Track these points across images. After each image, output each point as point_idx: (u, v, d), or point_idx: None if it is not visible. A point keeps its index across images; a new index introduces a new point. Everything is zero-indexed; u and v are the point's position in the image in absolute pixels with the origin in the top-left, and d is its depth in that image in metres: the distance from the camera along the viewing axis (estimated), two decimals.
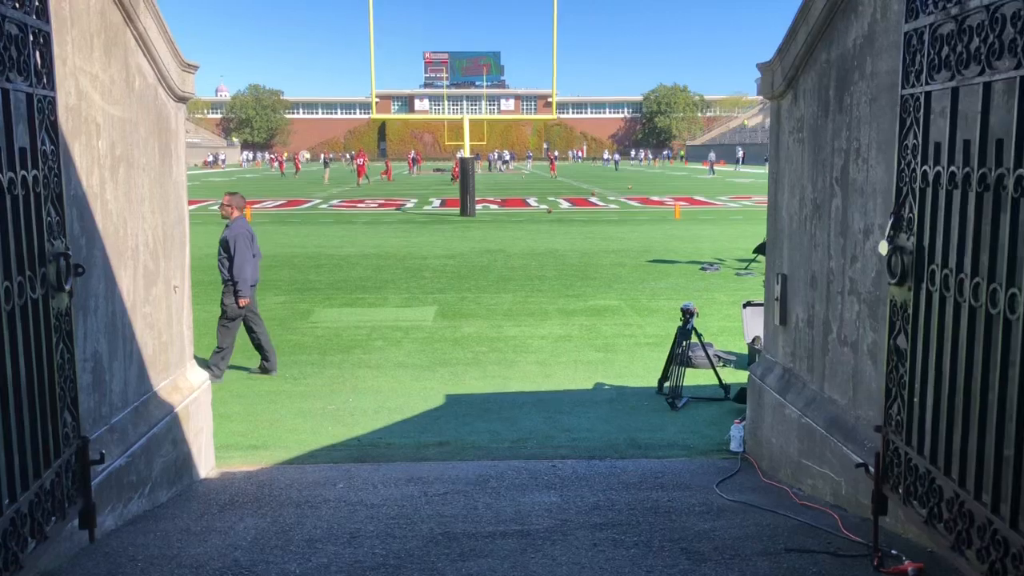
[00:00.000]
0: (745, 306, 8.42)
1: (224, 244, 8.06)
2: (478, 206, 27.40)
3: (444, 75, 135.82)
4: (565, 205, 30.87)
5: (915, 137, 3.04)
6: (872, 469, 3.39)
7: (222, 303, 8.07)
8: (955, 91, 2.73)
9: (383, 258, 16.24)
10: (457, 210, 26.71)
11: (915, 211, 3.03)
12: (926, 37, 2.92)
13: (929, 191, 2.91)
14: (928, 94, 2.94)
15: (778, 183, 5.28)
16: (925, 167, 2.94)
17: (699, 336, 7.44)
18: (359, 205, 31.29)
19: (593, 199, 34.13)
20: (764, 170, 51.73)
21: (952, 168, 2.74)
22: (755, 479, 5.11)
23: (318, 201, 33.64)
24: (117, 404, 4.22)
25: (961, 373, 2.69)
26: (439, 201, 33.29)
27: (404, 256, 16.56)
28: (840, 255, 4.36)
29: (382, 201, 33.45)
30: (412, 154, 78.67)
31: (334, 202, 33.02)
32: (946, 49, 2.77)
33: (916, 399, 3.03)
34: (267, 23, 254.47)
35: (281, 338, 9.53)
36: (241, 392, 7.54)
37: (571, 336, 9.54)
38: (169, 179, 5.00)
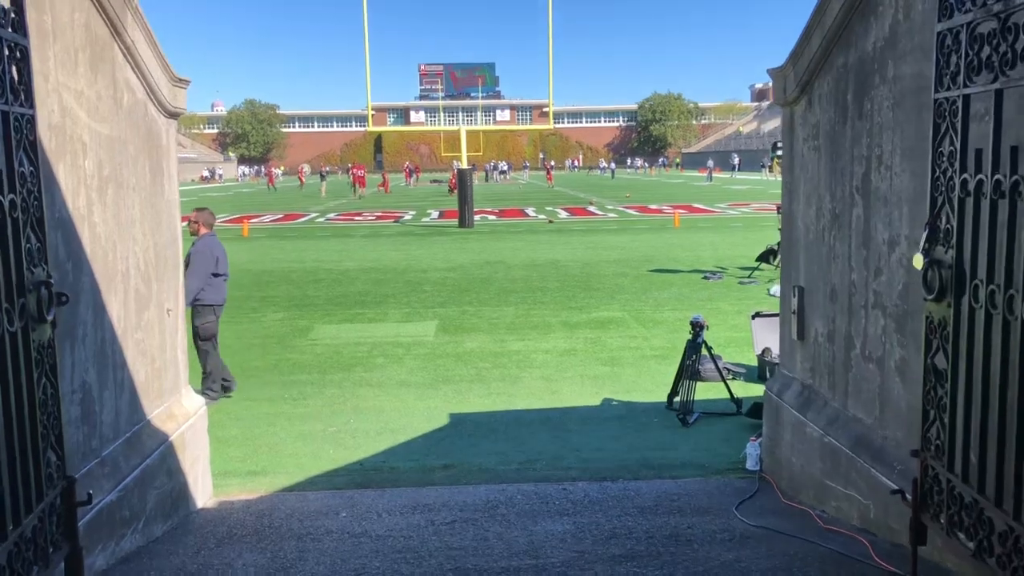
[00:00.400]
0: (754, 317, 8.24)
1: (185, 261, 7.77)
2: (476, 217, 27.23)
3: (439, 87, 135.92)
4: (564, 215, 30.71)
5: (952, 143, 2.85)
6: (909, 496, 3.20)
7: (193, 325, 7.67)
8: (999, 93, 2.54)
9: (382, 272, 16.05)
10: (455, 221, 26.54)
11: (953, 222, 2.84)
12: (963, 37, 2.73)
13: (970, 201, 2.72)
14: (966, 97, 2.75)
15: (792, 192, 5.10)
16: (965, 175, 2.75)
17: (709, 349, 7.24)
18: (356, 218, 31.11)
19: (591, 208, 33.97)
20: (760, 176, 52.22)
21: (997, 176, 2.55)
22: (775, 500, 4.90)
23: (315, 215, 33.47)
24: (108, 436, 4.02)
25: (1014, 396, 2.50)
26: (437, 213, 33.12)
27: (403, 269, 16.38)
28: (863, 267, 4.17)
29: (380, 213, 33.27)
30: (408, 165, 78.68)
31: (331, 215, 32.85)
32: (987, 49, 2.58)
33: (959, 423, 2.83)
34: (262, 38, 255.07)
35: (280, 356, 9.34)
36: (239, 415, 7.33)
37: (576, 350, 9.35)
38: (161, 198, 4.81)
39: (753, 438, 5.76)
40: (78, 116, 3.70)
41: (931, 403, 3.06)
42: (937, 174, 2.97)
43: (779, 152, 15.05)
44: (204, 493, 5.31)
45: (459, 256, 18.40)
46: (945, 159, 2.90)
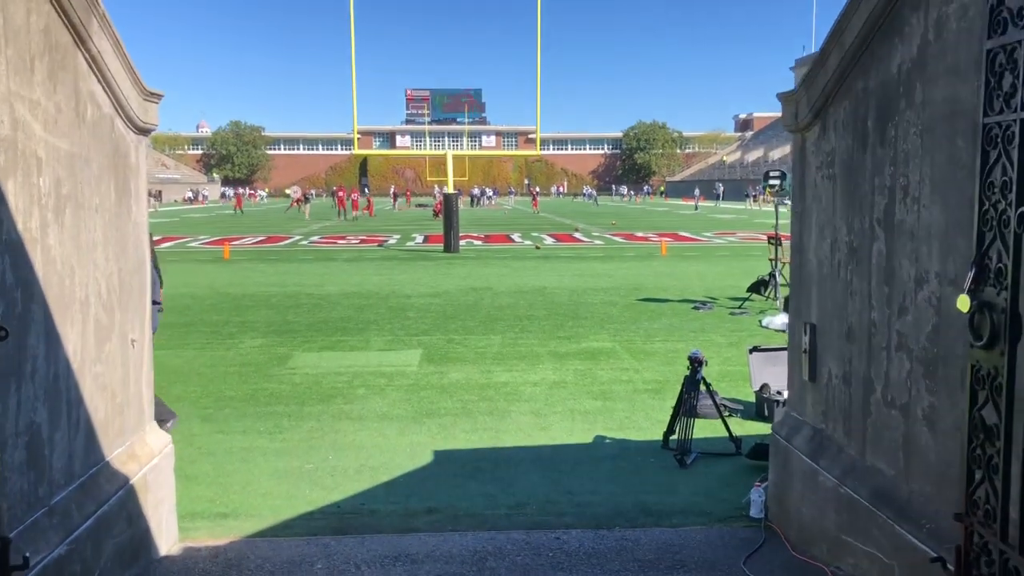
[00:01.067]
0: (752, 351, 7.94)
1: None
2: (462, 242, 26.94)
3: (426, 111, 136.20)
4: (549, 241, 30.47)
5: (1005, 173, 2.56)
6: (951, 566, 2.87)
7: None
8: None
9: (365, 297, 15.67)
10: (441, 246, 26.23)
11: (1007, 261, 2.54)
12: (1020, 54, 2.45)
13: None
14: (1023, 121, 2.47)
15: (803, 223, 4.81)
16: (1022, 208, 2.46)
17: (707, 385, 6.92)
18: (340, 242, 30.73)
19: (577, 235, 33.77)
20: (744, 206, 52.44)
21: None
22: (784, 554, 4.57)
23: (298, 237, 33.06)
24: (59, 481, 3.63)
25: None
26: (422, 237, 32.81)
27: (387, 295, 16.01)
28: (884, 305, 3.87)
29: (364, 237, 32.92)
30: (392, 189, 78.81)
31: (315, 238, 32.46)
32: None
33: (1015, 487, 2.52)
34: (249, 59, 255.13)
35: (257, 386, 8.93)
36: (211, 448, 6.92)
37: (565, 382, 9.00)
38: (127, 220, 4.46)
39: (757, 483, 5.43)
40: (32, 129, 3.36)
41: (978, 462, 2.74)
42: (986, 207, 2.67)
43: (771, 181, 14.90)
44: (168, 539, 4.90)
45: (444, 282, 18.06)
46: (996, 190, 2.61)
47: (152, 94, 4.59)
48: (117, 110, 4.28)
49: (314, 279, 18.61)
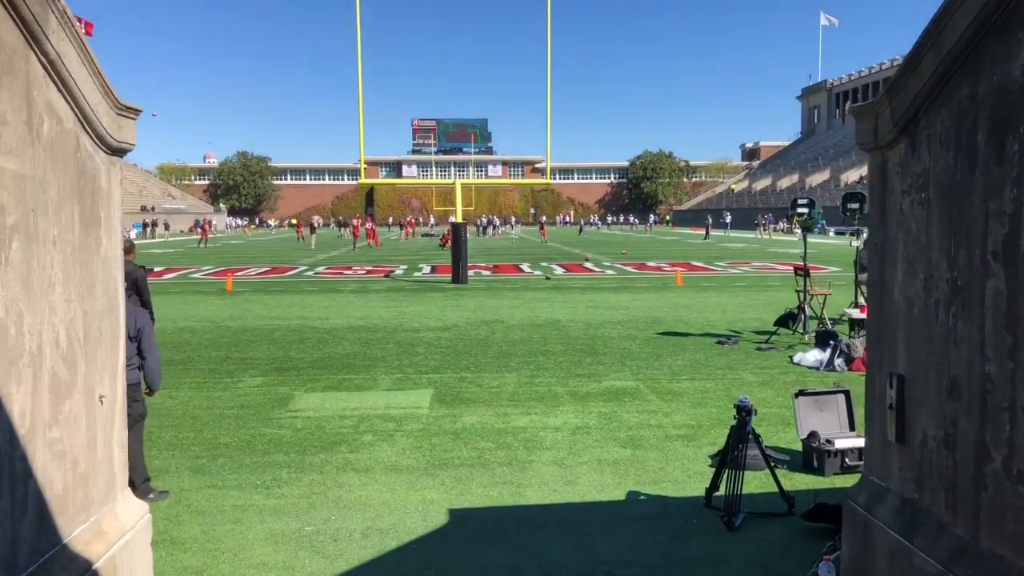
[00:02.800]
0: (797, 395, 7.23)
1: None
2: (470, 272, 26.30)
3: (432, 142, 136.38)
4: (560, 271, 29.81)
5: None
6: None
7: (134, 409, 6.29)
8: None
9: (372, 331, 14.99)
10: (449, 277, 25.59)
11: None
12: None
13: None
14: None
15: (885, 256, 4.12)
16: None
17: (757, 437, 6.19)
18: (346, 272, 30.12)
19: (588, 264, 33.13)
20: (754, 235, 52.00)
21: None
22: None
23: (303, 268, 32.47)
24: None
25: None
26: (429, 267, 32.19)
27: (394, 328, 15.32)
28: (1006, 358, 3.17)
29: (370, 267, 32.31)
30: (389, 219, 78.82)
31: (320, 269, 31.85)
32: None
33: None
34: (256, 90, 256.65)
35: (255, 431, 8.24)
36: (201, 506, 6.22)
37: (589, 427, 8.28)
38: (96, 255, 3.80)
39: (826, 556, 4.70)
40: None
41: None
42: None
43: (800, 210, 14.24)
44: None
45: (454, 314, 17.38)
46: None
47: (127, 108, 3.95)
48: (83, 125, 3.64)
49: (319, 312, 17.94)
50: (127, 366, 6.19)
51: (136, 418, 6.32)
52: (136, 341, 6.25)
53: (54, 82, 3.35)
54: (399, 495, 6.40)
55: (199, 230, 63.14)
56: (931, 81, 3.60)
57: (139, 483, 6.24)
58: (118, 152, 3.97)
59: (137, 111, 4.04)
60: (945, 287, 3.58)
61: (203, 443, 7.85)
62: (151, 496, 6.26)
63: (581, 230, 77.96)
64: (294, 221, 77.37)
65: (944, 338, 3.59)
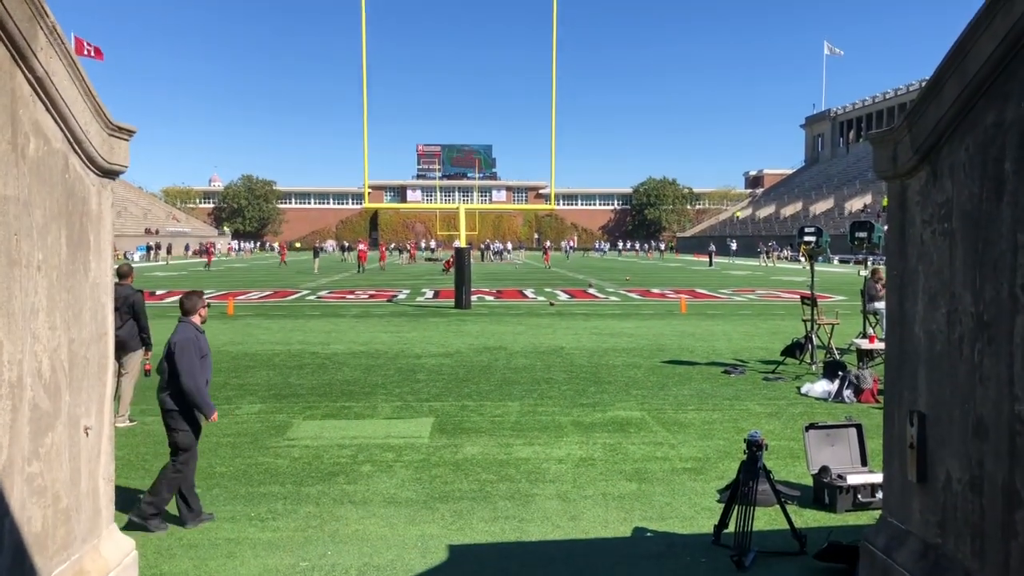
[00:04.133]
0: (808, 429, 7.04)
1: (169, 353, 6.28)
2: (473, 297, 26.14)
3: (437, 167, 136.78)
4: (563, 297, 29.65)
5: None
6: None
7: (171, 436, 6.30)
8: None
9: (373, 356, 14.81)
10: (452, 301, 25.43)
11: None
12: None
13: None
14: None
15: (904, 288, 3.96)
16: None
17: (768, 473, 6.00)
18: (348, 296, 29.98)
19: (591, 290, 32.97)
20: (757, 262, 51.99)
21: None
22: None
23: (306, 292, 32.34)
24: None
25: None
26: (432, 292, 32.05)
27: (396, 354, 15.15)
28: None
29: (373, 292, 32.17)
30: (381, 244, 79.19)
31: (323, 293, 31.72)
32: None
33: None
34: (262, 115, 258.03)
35: (251, 460, 8.05)
36: (193, 539, 6.02)
37: (594, 459, 8.09)
38: (83, 281, 3.65)
39: None
40: None
41: None
42: None
43: (807, 238, 14.08)
44: None
45: (456, 340, 17.21)
46: None
47: (119, 128, 3.82)
48: (72, 146, 3.51)
49: (320, 336, 17.78)
50: (163, 386, 6.14)
51: (172, 445, 6.26)
52: (169, 361, 6.13)
53: (42, 101, 3.22)
54: (397, 529, 6.21)
55: (205, 254, 63.52)
56: (954, 107, 3.46)
57: (145, 501, 6.18)
58: (110, 174, 3.83)
59: (130, 132, 3.91)
60: (970, 322, 3.41)
61: (198, 473, 7.60)
62: (151, 523, 6.13)
63: (568, 256, 75.69)
64: (275, 245, 77.50)
65: (969, 375, 3.42)
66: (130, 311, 9.48)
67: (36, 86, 3.16)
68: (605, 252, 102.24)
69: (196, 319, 6.52)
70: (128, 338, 9.45)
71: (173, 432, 6.29)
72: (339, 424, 9.57)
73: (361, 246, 55.94)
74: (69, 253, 3.49)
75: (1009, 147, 3.18)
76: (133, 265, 12.39)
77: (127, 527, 5.85)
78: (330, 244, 69.99)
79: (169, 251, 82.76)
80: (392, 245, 75.22)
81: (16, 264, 3.05)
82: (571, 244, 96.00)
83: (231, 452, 8.35)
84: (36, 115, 3.20)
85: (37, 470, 3.25)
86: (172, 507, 6.59)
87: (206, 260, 60.44)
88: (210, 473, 7.62)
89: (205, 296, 6.91)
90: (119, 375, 9.47)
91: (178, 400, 6.22)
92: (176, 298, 28.69)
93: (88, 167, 3.66)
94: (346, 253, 72.57)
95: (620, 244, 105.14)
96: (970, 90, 3.36)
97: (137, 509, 6.17)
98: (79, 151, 3.55)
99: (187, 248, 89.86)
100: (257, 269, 55.12)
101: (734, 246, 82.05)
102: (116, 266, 9.68)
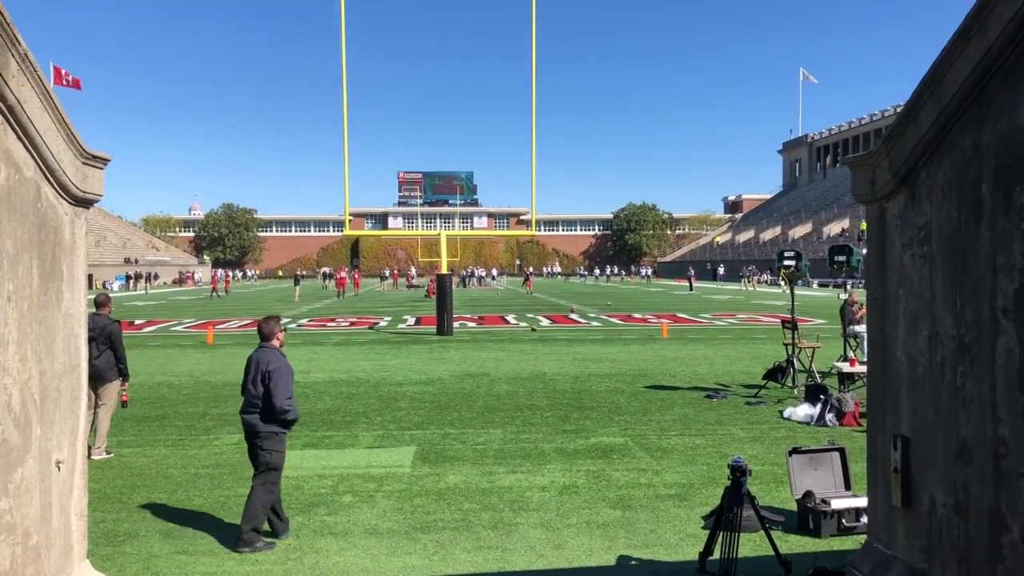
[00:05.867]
0: (791, 453, 7.01)
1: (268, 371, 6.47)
2: (455, 324, 26.07)
3: (418, 194, 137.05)
4: (546, 322, 29.62)
5: None
6: None
7: (264, 457, 6.47)
8: None
9: (354, 385, 14.69)
10: (433, 328, 25.35)
11: None
12: None
13: None
14: None
15: (885, 312, 3.96)
16: None
17: (752, 499, 5.96)
18: (329, 324, 29.82)
19: (573, 316, 32.97)
20: (739, 286, 52.35)
21: None
22: None
23: (287, 320, 32.13)
24: None
25: None
26: (414, 319, 31.94)
27: (377, 382, 15.04)
28: (1022, 419, 2.99)
29: (354, 319, 32.02)
30: (398, 269, 79.39)
31: (303, 321, 31.54)
32: None
33: None
34: (242, 142, 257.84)
35: (230, 492, 7.94)
36: (171, 574, 5.89)
37: (577, 486, 8.02)
38: (56, 311, 3.58)
39: None
40: None
41: None
42: None
43: (787, 262, 14.16)
44: None
45: (438, 367, 17.12)
46: None
47: (94, 157, 3.77)
48: (45, 175, 3.46)
49: (301, 365, 17.62)
50: (255, 410, 6.31)
51: (265, 466, 6.43)
52: (265, 385, 6.33)
53: (13, 129, 3.17)
54: (379, 561, 6.11)
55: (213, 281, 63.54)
56: (931, 131, 3.48)
57: (246, 530, 6.30)
58: (83, 203, 3.78)
59: (105, 160, 3.86)
60: (952, 344, 3.41)
61: (176, 505, 7.54)
62: (258, 545, 6.29)
63: (527, 279, 70.41)
64: (226, 273, 75.20)
65: (952, 398, 3.42)
66: (107, 341, 9.36)
67: (7, 114, 3.12)
68: (585, 277, 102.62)
69: (275, 343, 6.75)
70: (105, 369, 9.32)
71: (267, 453, 6.44)
72: (319, 454, 9.46)
73: (342, 273, 56.31)
74: (41, 283, 3.43)
75: (986, 170, 3.20)
76: (111, 295, 12.26)
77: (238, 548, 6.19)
78: (325, 270, 69.27)
79: (148, 280, 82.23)
80: (386, 272, 75.51)
81: None
82: (553, 270, 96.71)
83: (210, 483, 8.22)
84: (7, 143, 3.15)
85: (6, 506, 3.16)
86: (147, 542, 6.46)
87: (212, 287, 61.15)
88: (188, 506, 7.49)
89: (280, 321, 7.10)
90: (96, 406, 9.33)
91: (273, 422, 6.44)
92: (155, 328, 28.43)
93: (61, 196, 3.60)
94: (327, 281, 72.38)
95: (598, 271, 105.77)
96: (947, 114, 3.39)
97: (242, 541, 6.29)
98: (52, 180, 3.50)
99: (181, 276, 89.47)
100: (238, 297, 54.79)
101: (721, 271, 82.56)
102: (93, 296, 9.57)
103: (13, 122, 3.16)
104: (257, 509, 6.36)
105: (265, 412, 6.42)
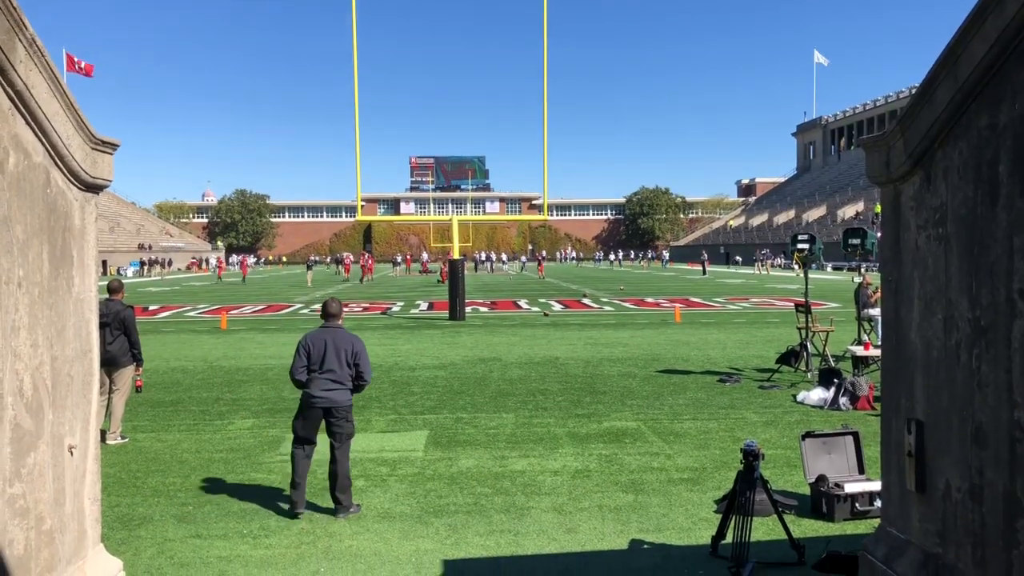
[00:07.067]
0: (804, 437, 6.99)
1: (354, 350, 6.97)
2: (468, 309, 26.09)
3: (430, 179, 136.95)
4: (558, 307, 29.60)
5: None
6: None
7: (347, 429, 6.91)
8: None
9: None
10: (446, 313, 25.38)
11: None
12: None
13: None
14: None
15: (900, 294, 3.92)
16: None
17: (765, 483, 5.94)
18: (343, 309, 29.86)
19: (586, 301, 32.92)
20: (752, 270, 52.06)
21: None
22: None
23: (299, 306, 32.25)
24: None
25: None
26: (426, 304, 31.98)
27: (390, 367, 15.07)
28: None
29: (366, 305, 32.09)
30: (407, 255, 79.51)
31: (316, 306, 31.61)
32: None
33: None
34: (255, 128, 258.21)
35: (244, 476, 7.98)
36: (185, 557, 5.94)
37: (590, 470, 8.02)
38: (67, 297, 3.59)
39: None
40: None
41: None
42: None
43: (800, 246, 14.06)
44: None
45: (450, 352, 17.14)
46: None
47: (103, 142, 3.76)
48: (54, 160, 3.45)
49: None
50: (339, 387, 6.73)
51: (347, 437, 6.91)
52: (355, 367, 6.87)
53: (21, 114, 3.17)
54: (391, 545, 6.13)
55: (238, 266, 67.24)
56: (947, 111, 3.43)
57: (344, 499, 6.76)
58: (93, 188, 3.77)
59: (114, 145, 3.86)
60: (967, 328, 3.37)
61: (190, 489, 7.59)
62: (352, 510, 6.77)
63: (523, 267, 71.56)
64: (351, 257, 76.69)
65: (967, 382, 3.38)
66: (121, 327, 9.40)
67: (15, 99, 3.11)
68: (600, 261, 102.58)
69: (341, 321, 7.27)
70: (119, 354, 9.37)
71: (349, 424, 6.95)
72: None
73: (349, 259, 57.13)
74: (52, 269, 3.43)
75: (1003, 150, 3.15)
76: (124, 281, 12.32)
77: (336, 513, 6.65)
78: (349, 255, 71.27)
79: (163, 265, 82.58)
80: (398, 257, 75.48)
81: None
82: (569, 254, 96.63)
83: (224, 468, 8.27)
84: (16, 129, 3.15)
85: (19, 491, 3.18)
86: (162, 526, 6.51)
87: (218, 274, 64.62)
88: (203, 490, 7.54)
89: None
90: (110, 391, 9.39)
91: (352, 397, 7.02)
92: (168, 313, 28.58)
93: (71, 181, 3.60)
94: (338, 267, 72.65)
95: (612, 255, 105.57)
96: (963, 94, 3.33)
97: (342, 509, 6.74)
98: (61, 165, 3.50)
99: (204, 262, 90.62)
100: (251, 283, 55.02)
101: (739, 258, 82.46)
102: (106, 282, 9.61)
103: (22, 107, 3.16)
104: (347, 478, 6.81)
105: (355, 388, 7.00)
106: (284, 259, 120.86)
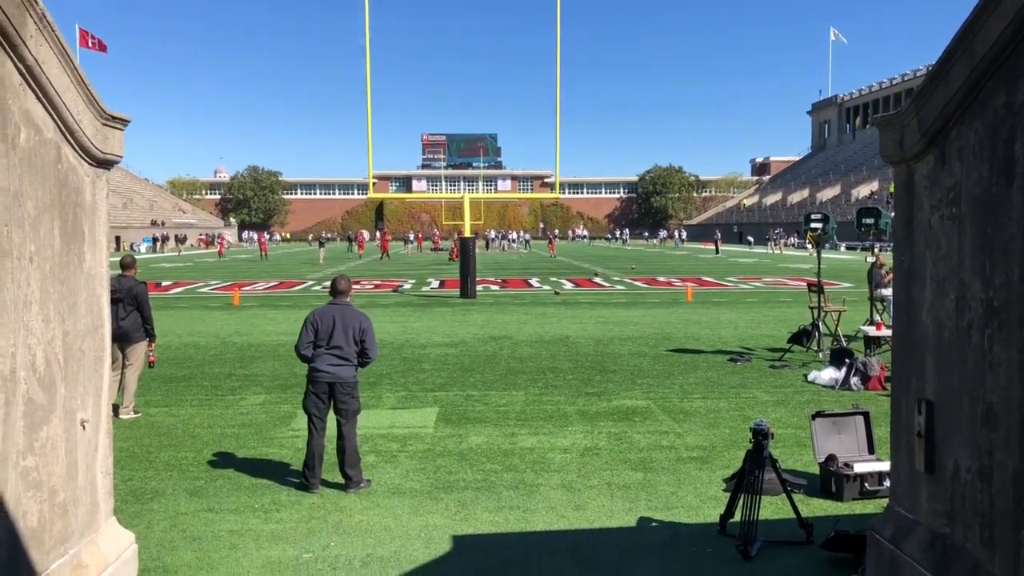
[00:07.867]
0: (814, 417, 6.98)
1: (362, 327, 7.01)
2: (479, 287, 26.11)
3: (441, 156, 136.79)
4: (569, 286, 29.60)
5: None
6: None
7: (353, 405, 6.98)
8: None
9: (378, 346, 14.75)
10: (457, 291, 25.41)
11: None
12: None
13: None
14: None
15: (912, 275, 3.90)
16: None
17: (774, 462, 5.94)
18: (355, 287, 29.88)
19: (597, 279, 32.90)
20: (765, 250, 51.76)
21: None
22: None
23: (311, 283, 32.35)
24: None
25: None
26: (437, 282, 32.02)
27: (401, 344, 15.13)
28: None
29: (378, 282, 32.17)
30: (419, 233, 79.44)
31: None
32: None
33: None
34: (267, 105, 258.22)
35: (255, 451, 8.05)
36: (197, 531, 6.00)
37: (599, 448, 8.05)
38: (78, 272, 3.61)
39: None
40: None
41: None
42: None
43: (814, 225, 13.99)
44: None
45: (461, 330, 17.18)
46: None
47: (114, 118, 3.77)
48: (65, 136, 3.46)
49: None
50: (345, 363, 6.81)
51: (353, 413, 6.96)
52: (360, 344, 6.91)
53: (32, 90, 3.17)
54: (401, 520, 6.18)
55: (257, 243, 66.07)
56: (963, 90, 3.39)
57: (354, 474, 6.83)
58: (104, 164, 3.78)
59: (125, 121, 3.86)
60: (979, 308, 3.35)
61: (202, 464, 7.66)
62: (362, 486, 6.83)
63: (527, 245, 71.82)
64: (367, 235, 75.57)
65: (978, 362, 3.36)
66: (134, 302, 9.46)
67: (26, 75, 3.11)
68: (612, 240, 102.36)
69: (349, 299, 7.27)
70: (132, 330, 9.43)
71: (356, 400, 7.01)
72: None
73: (364, 235, 56.88)
74: (63, 244, 3.45)
75: (1020, 129, 3.11)
76: (137, 257, 12.37)
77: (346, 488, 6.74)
78: (365, 232, 69.97)
79: (178, 241, 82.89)
80: (410, 235, 75.07)
81: (7, 255, 3.01)
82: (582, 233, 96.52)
83: (236, 443, 8.33)
84: (26, 104, 3.15)
85: (32, 464, 3.21)
86: (175, 500, 6.57)
87: (219, 251, 63.64)
88: (214, 464, 7.60)
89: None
90: (123, 367, 9.46)
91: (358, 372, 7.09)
92: (181, 289, 28.72)
93: (81, 157, 3.61)
94: (351, 244, 72.78)
95: (625, 233, 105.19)
96: (979, 71, 3.29)
97: (352, 484, 6.80)
98: (72, 141, 3.50)
99: (209, 238, 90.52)
100: (260, 260, 55.22)
101: (751, 238, 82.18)
102: (119, 258, 9.66)
103: (33, 83, 3.16)
104: (356, 453, 6.88)
105: (361, 364, 7.04)
106: (288, 236, 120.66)
